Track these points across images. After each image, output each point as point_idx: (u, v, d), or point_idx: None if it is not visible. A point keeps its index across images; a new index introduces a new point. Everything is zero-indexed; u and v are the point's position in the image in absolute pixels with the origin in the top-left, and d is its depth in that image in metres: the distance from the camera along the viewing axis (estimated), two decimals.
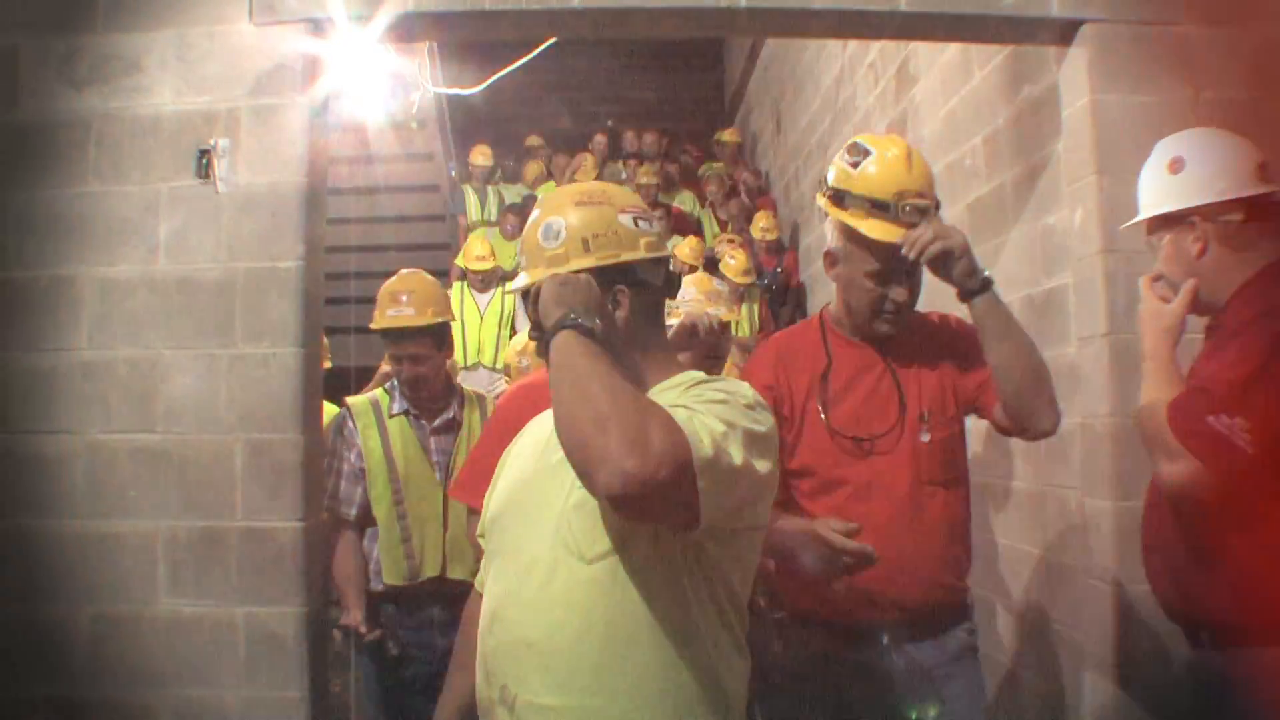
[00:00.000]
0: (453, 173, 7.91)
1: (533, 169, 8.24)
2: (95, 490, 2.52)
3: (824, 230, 2.28)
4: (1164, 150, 1.92)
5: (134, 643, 2.47)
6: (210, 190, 2.58)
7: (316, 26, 2.62)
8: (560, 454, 1.33)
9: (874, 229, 2.08)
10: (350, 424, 2.98)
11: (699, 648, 1.37)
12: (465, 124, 8.32)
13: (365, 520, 2.96)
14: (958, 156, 3.86)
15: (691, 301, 2.69)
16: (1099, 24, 2.65)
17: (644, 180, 7.30)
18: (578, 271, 1.45)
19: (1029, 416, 2.14)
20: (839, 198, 2.13)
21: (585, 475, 1.26)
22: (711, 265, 5.89)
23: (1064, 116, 2.82)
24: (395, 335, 2.89)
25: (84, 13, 2.64)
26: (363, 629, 2.85)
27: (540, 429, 1.58)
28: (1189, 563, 1.79)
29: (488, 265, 6.29)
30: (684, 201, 7.66)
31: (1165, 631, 2.32)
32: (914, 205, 2.07)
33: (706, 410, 1.32)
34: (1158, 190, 1.88)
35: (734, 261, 5.65)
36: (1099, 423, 2.65)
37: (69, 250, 2.60)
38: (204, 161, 2.58)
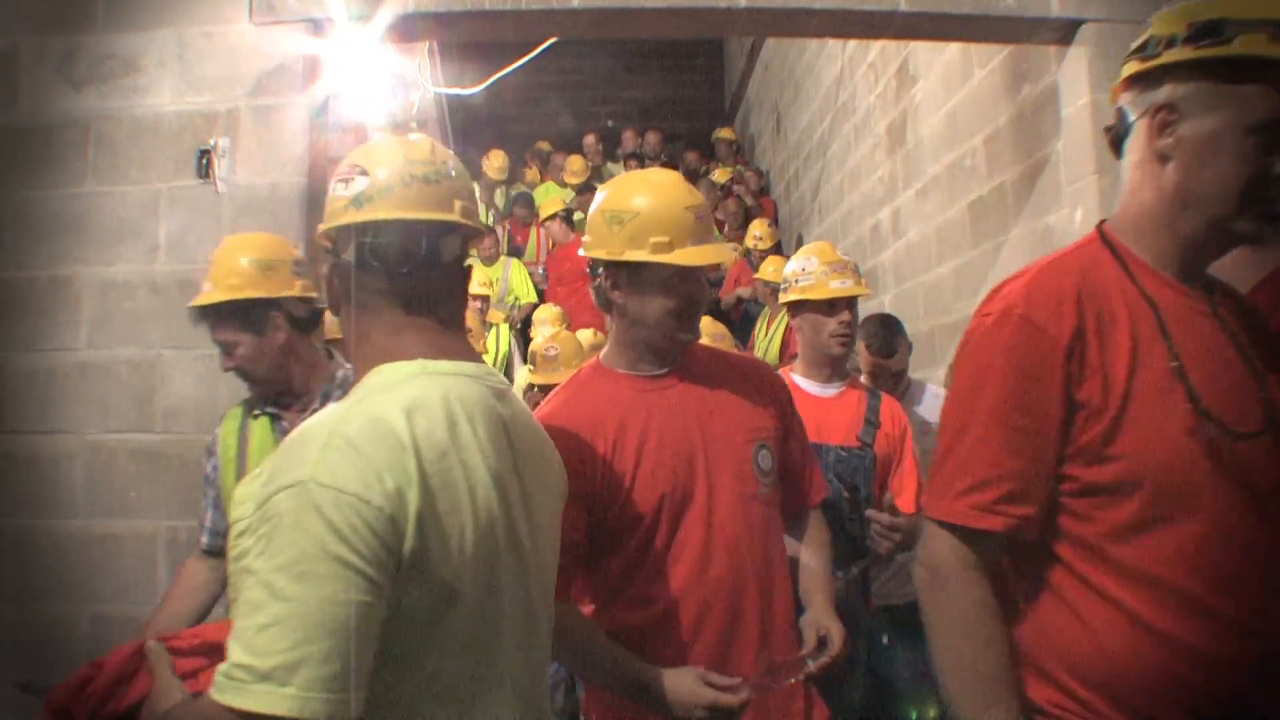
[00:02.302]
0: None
1: (530, 173, 8.25)
2: (95, 490, 2.52)
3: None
4: None
5: None
6: (210, 190, 2.58)
7: (316, 26, 2.62)
8: None
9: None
10: (217, 429, 2.33)
11: None
12: (465, 124, 8.33)
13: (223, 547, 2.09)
14: (958, 156, 3.86)
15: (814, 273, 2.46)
16: (1099, 24, 2.66)
17: None
18: None
19: None
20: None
21: None
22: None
23: (1064, 116, 2.82)
24: (200, 320, 2.17)
25: (83, 13, 2.64)
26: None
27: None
28: None
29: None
30: None
31: None
32: None
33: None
34: None
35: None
36: None
37: (68, 250, 2.60)
38: (204, 161, 2.58)
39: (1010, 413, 1.18)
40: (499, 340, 5.51)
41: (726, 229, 7.20)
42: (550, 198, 7.32)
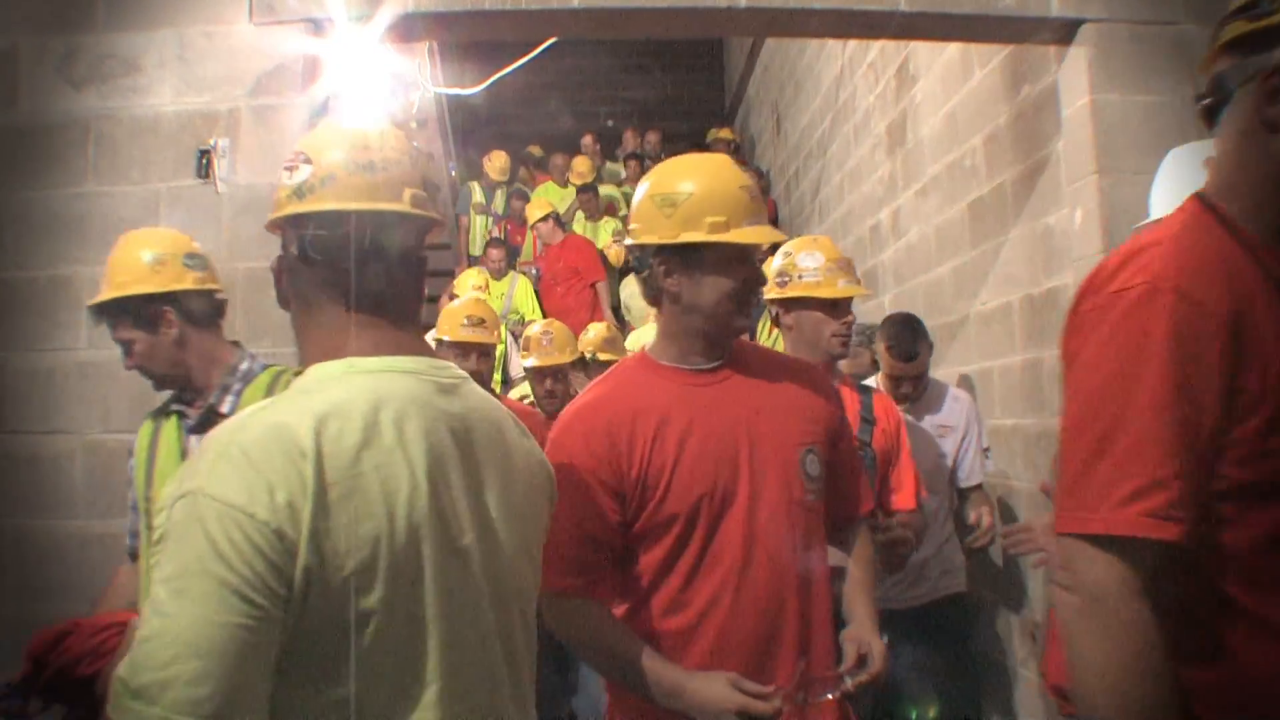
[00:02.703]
0: (453, 173, 7.91)
1: (523, 174, 8.25)
2: (95, 490, 2.52)
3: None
4: (1198, 151, 1.91)
5: None
6: (210, 190, 2.58)
7: (316, 26, 2.62)
8: None
9: None
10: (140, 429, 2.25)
11: None
12: (465, 124, 8.32)
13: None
14: (958, 156, 3.86)
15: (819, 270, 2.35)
16: (1099, 24, 2.66)
17: None
18: None
19: None
20: None
21: None
22: None
23: (1064, 116, 2.82)
24: (99, 321, 2.12)
25: (83, 12, 2.64)
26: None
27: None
28: None
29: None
30: None
31: None
32: None
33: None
34: (1192, 187, 1.87)
35: None
36: None
37: (68, 250, 2.60)
38: (204, 161, 2.58)
39: (1174, 402, 1.01)
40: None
41: None
42: (549, 198, 7.31)
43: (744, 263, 1.53)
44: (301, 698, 0.95)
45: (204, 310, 2.03)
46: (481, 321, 3.11)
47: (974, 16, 2.70)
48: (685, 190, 1.50)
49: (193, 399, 2.05)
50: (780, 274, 2.39)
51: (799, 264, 2.36)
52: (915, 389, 2.96)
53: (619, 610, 1.57)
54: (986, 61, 3.54)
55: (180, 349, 2.01)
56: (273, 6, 2.62)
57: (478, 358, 3.05)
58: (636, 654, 1.47)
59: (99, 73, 2.63)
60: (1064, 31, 2.71)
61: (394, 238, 1.13)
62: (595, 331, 4.00)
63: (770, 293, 2.39)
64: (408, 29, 2.69)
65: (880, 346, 2.96)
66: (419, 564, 1.00)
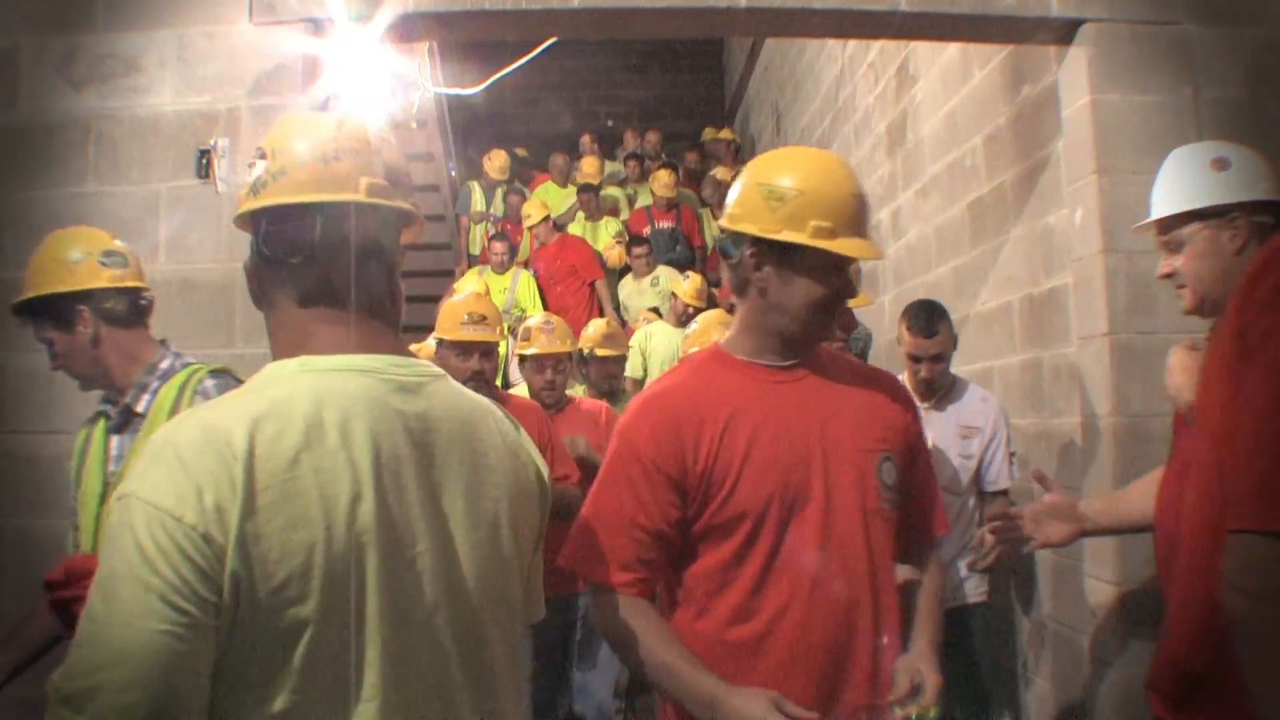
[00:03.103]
0: (453, 173, 7.91)
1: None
2: None
3: None
4: (1202, 151, 1.93)
5: None
6: (210, 190, 2.58)
7: (316, 26, 2.62)
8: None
9: None
10: None
11: None
12: (465, 124, 8.33)
13: None
14: (958, 156, 3.86)
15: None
16: (1099, 24, 2.66)
17: (661, 192, 7.20)
18: None
19: None
20: None
21: None
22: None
23: (1064, 116, 2.82)
24: (21, 323, 2.07)
25: (84, 13, 2.64)
26: None
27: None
28: None
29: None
30: (688, 200, 7.66)
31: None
32: None
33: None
34: (1199, 186, 1.88)
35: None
36: (1099, 422, 2.65)
37: None
38: (204, 161, 2.58)
39: None
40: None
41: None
42: (547, 198, 7.31)
43: (839, 273, 1.47)
44: (241, 709, 0.91)
45: (123, 308, 1.99)
46: (483, 318, 2.95)
47: (974, 16, 2.70)
48: (796, 187, 1.43)
49: (115, 399, 2.02)
50: None
51: None
52: (934, 372, 2.91)
53: (676, 615, 1.49)
54: (986, 61, 3.54)
55: (98, 348, 1.98)
56: (273, 6, 2.62)
57: (480, 357, 2.90)
58: (678, 660, 1.39)
59: (99, 73, 2.63)
60: (1064, 31, 2.71)
61: (353, 229, 1.07)
62: (595, 327, 3.99)
63: None
64: (408, 29, 2.69)
65: (901, 329, 2.94)
66: (361, 573, 0.95)
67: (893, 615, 1.48)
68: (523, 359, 3.41)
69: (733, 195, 1.51)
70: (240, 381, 1.94)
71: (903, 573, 1.57)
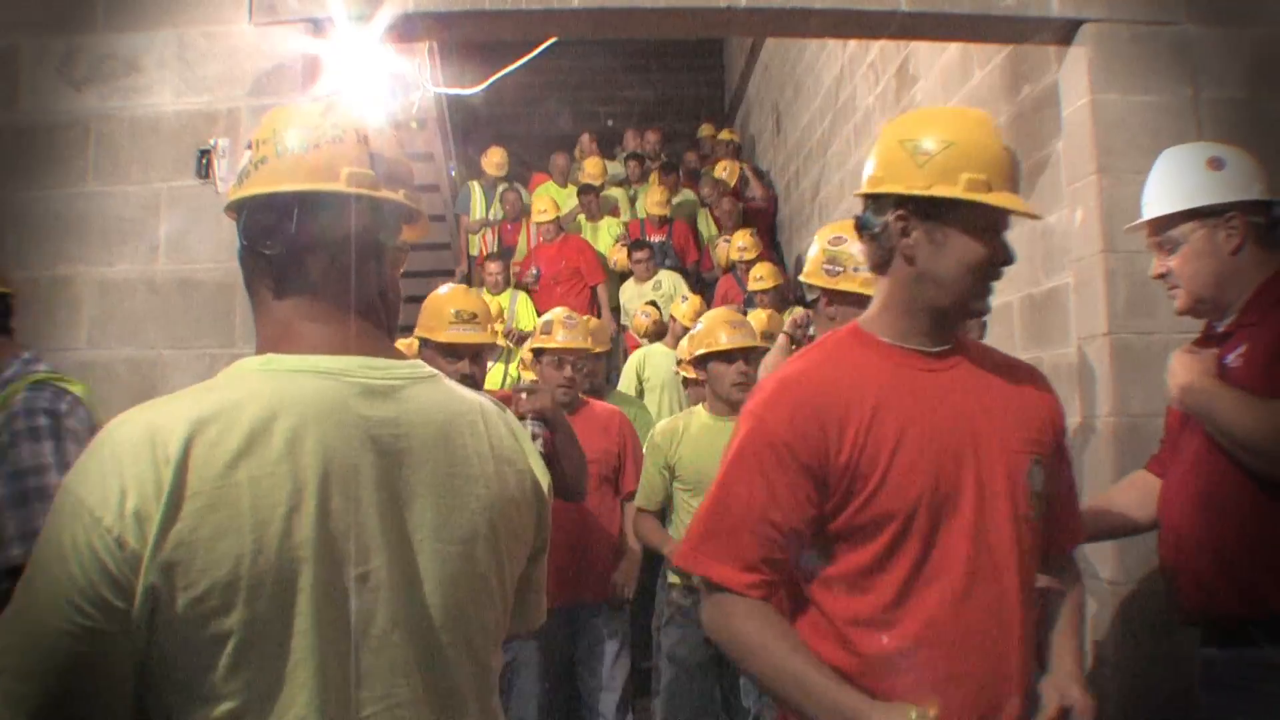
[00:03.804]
0: (453, 173, 7.91)
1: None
2: None
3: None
4: (1195, 151, 1.93)
5: None
6: (210, 190, 2.58)
7: (316, 26, 2.62)
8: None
9: None
10: None
11: None
12: (465, 124, 8.33)
13: None
14: None
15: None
16: (1099, 24, 2.66)
17: (653, 210, 7.15)
18: None
19: None
20: None
21: None
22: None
23: (1064, 116, 2.82)
24: None
25: (84, 13, 2.64)
26: None
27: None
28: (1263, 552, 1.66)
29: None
30: (687, 204, 7.67)
31: (1164, 630, 2.33)
32: None
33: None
34: (1195, 185, 1.88)
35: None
36: (1099, 422, 2.65)
37: (69, 250, 2.60)
38: (204, 161, 2.58)
39: None
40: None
41: (723, 229, 7.20)
42: (549, 197, 7.30)
43: (996, 233, 1.32)
44: (172, 712, 0.88)
45: None
46: (473, 316, 2.58)
47: (974, 16, 2.70)
48: (944, 139, 1.30)
49: None
50: (831, 261, 2.11)
51: (855, 254, 2.02)
52: None
53: (800, 622, 1.35)
54: (986, 61, 3.54)
55: None
56: (273, 6, 2.63)
57: (470, 360, 2.58)
58: (814, 672, 1.24)
59: (99, 73, 2.64)
60: (1064, 32, 2.72)
61: (331, 220, 1.03)
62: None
63: (816, 279, 2.12)
64: (408, 29, 2.69)
65: None
66: (292, 587, 0.90)
67: (1032, 632, 1.35)
68: (539, 354, 3.20)
69: (871, 161, 1.38)
70: (66, 391, 1.97)
71: (1040, 581, 1.44)
